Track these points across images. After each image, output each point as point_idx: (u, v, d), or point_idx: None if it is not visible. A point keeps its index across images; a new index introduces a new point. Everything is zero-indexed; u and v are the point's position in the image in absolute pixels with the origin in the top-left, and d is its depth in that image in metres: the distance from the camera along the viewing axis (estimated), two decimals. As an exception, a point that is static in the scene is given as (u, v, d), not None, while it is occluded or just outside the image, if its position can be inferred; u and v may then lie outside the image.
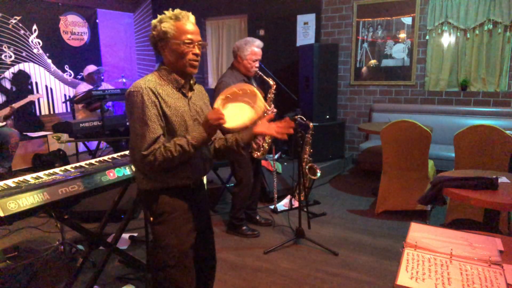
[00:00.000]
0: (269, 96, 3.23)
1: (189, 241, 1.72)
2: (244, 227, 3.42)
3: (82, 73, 5.83)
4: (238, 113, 1.64)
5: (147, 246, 2.51)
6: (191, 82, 1.72)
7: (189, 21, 1.61)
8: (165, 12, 1.61)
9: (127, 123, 3.99)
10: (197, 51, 1.62)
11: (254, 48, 3.10)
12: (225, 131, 1.69)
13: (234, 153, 1.77)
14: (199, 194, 1.80)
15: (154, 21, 1.62)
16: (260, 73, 3.22)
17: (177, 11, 1.61)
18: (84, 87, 5.33)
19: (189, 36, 1.59)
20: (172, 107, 1.61)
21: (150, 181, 1.65)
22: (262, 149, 3.31)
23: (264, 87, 3.36)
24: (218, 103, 1.65)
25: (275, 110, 3.28)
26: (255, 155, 3.31)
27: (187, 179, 1.68)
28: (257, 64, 3.16)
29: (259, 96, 1.66)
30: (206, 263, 1.92)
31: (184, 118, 1.64)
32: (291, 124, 1.69)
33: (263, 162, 4.10)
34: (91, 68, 5.47)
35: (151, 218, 1.69)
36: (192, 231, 1.73)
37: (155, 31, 1.61)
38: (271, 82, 3.24)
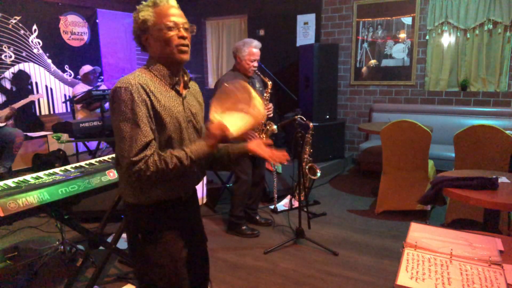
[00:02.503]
0: (265, 95, 3.33)
1: (182, 259, 1.52)
2: (244, 227, 3.43)
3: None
4: (235, 121, 1.50)
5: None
6: (186, 78, 1.53)
7: (169, 4, 1.42)
8: (143, 1, 1.44)
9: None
10: (183, 33, 1.40)
11: (252, 49, 3.19)
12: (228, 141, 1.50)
13: (223, 166, 1.66)
14: (191, 205, 1.61)
15: (133, 14, 1.45)
16: (258, 72, 3.34)
17: None
18: (81, 87, 5.34)
19: (172, 19, 1.39)
20: (166, 106, 1.41)
21: (138, 194, 1.44)
22: None
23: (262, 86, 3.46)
24: (216, 114, 1.48)
25: (272, 108, 3.34)
26: None
27: (179, 191, 1.48)
28: (255, 64, 3.25)
29: (257, 99, 1.51)
30: (198, 282, 1.69)
31: (178, 119, 1.44)
32: (287, 156, 1.58)
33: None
34: (86, 68, 5.47)
35: (139, 236, 1.48)
36: (184, 248, 1.53)
37: (135, 23, 1.44)
38: (268, 82, 3.35)
